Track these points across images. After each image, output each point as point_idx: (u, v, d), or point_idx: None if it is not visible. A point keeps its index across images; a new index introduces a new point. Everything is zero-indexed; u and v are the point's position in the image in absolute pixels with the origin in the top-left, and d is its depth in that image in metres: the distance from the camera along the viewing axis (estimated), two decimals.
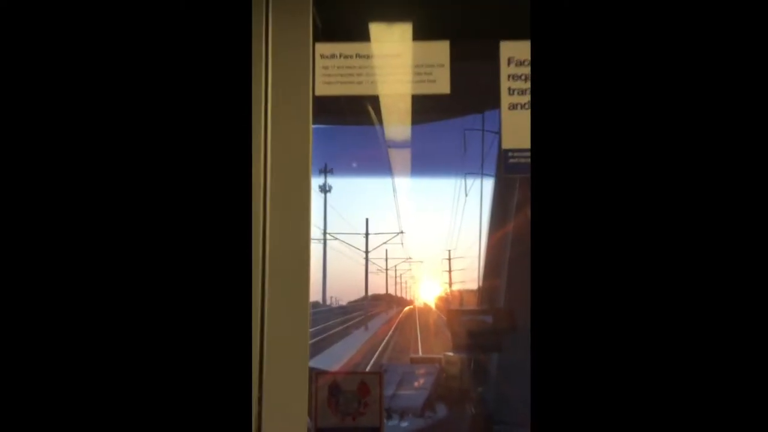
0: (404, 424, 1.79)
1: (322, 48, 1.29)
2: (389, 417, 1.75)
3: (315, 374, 1.35)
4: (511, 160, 1.29)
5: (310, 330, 1.19)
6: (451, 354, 2.06)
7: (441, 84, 1.30)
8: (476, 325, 2.04)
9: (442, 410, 1.91)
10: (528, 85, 1.29)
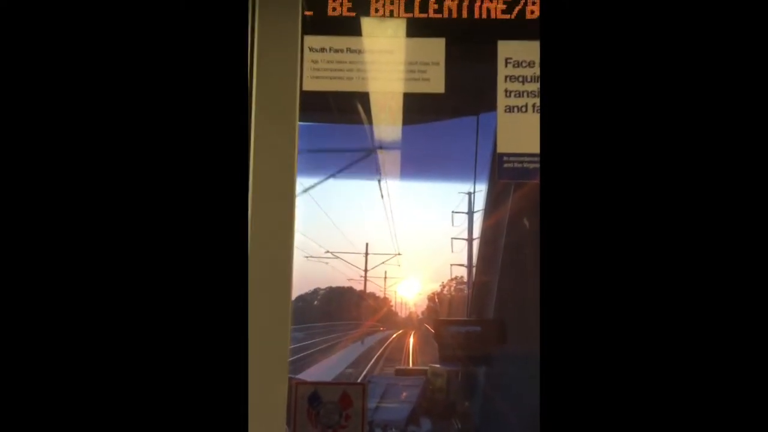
0: None
1: (312, 41, 1.24)
2: (371, 430, 1.70)
3: (295, 384, 1.31)
4: (506, 165, 1.25)
5: None
6: (437, 366, 2.01)
7: (435, 83, 1.25)
8: (464, 336, 2.00)
9: (426, 424, 1.86)
10: (525, 87, 1.25)
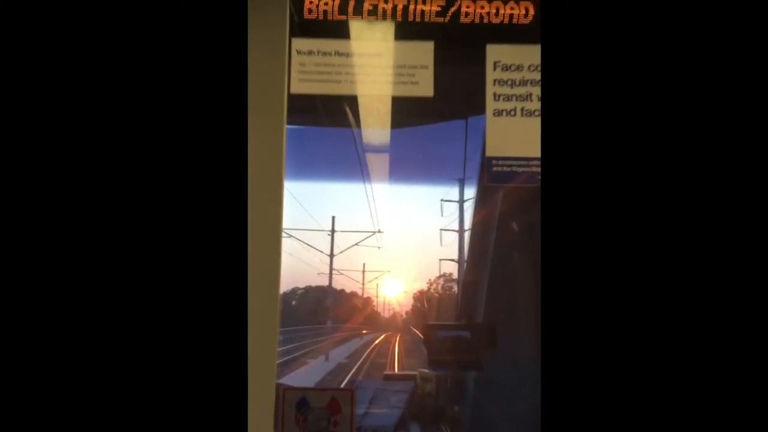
0: None
1: (299, 44, 1.23)
2: None
3: (282, 389, 1.30)
4: (495, 169, 1.24)
5: None
6: (426, 371, 2.00)
7: (424, 86, 1.25)
8: (454, 341, 1.99)
9: (415, 429, 1.85)
10: (514, 90, 1.25)
